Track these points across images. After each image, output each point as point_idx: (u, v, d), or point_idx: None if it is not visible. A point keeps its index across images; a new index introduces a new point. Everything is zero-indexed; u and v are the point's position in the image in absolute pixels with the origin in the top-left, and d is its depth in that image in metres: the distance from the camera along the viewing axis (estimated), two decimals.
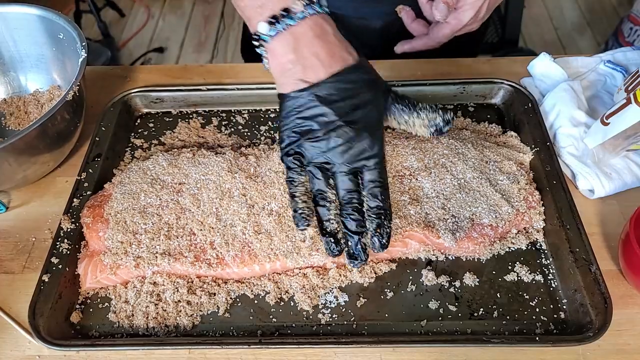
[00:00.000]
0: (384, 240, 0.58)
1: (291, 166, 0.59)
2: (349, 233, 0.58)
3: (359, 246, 0.58)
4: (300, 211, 0.59)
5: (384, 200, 0.58)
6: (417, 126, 0.63)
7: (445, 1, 0.68)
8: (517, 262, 0.65)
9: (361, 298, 0.63)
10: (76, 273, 0.65)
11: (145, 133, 0.82)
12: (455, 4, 0.70)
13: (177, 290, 0.62)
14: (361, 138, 0.57)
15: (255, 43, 0.58)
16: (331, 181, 0.58)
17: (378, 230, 0.58)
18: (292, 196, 0.60)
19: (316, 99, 0.56)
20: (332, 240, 0.58)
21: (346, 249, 0.59)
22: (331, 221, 0.59)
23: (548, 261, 0.65)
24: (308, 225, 0.60)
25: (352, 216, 0.57)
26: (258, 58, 0.60)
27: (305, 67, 0.56)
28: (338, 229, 0.59)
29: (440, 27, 0.72)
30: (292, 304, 0.63)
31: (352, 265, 0.60)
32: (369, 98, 0.58)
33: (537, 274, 0.64)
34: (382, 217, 0.58)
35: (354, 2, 0.89)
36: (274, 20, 0.55)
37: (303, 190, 0.60)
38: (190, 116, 0.84)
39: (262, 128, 0.81)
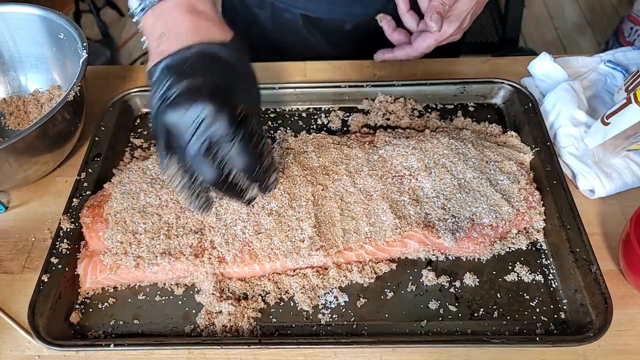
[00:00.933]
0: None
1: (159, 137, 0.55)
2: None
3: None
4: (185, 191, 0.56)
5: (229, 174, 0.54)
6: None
7: (438, 12, 0.68)
8: (518, 262, 0.65)
9: (361, 298, 0.63)
10: (76, 273, 0.65)
11: (145, 133, 0.82)
12: (446, 14, 0.70)
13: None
14: (211, 112, 0.50)
15: (134, 22, 0.57)
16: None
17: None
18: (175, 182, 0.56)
19: (167, 71, 0.53)
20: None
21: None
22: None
23: (548, 261, 0.65)
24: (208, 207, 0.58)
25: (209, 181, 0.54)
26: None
27: (165, 41, 0.54)
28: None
29: (424, 37, 0.72)
30: (292, 304, 0.63)
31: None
32: (220, 78, 0.53)
33: (538, 274, 0.64)
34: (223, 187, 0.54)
35: (328, 4, 0.89)
36: None
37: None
38: None
39: (262, 128, 0.81)
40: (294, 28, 0.93)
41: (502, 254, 0.66)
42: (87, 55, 0.73)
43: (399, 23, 0.78)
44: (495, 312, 0.61)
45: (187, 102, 0.51)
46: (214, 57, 0.54)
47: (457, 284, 0.64)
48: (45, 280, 0.62)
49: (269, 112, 0.84)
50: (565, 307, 0.61)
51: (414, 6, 0.75)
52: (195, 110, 0.50)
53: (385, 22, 0.76)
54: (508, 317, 0.61)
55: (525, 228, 0.67)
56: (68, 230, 0.66)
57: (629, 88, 0.73)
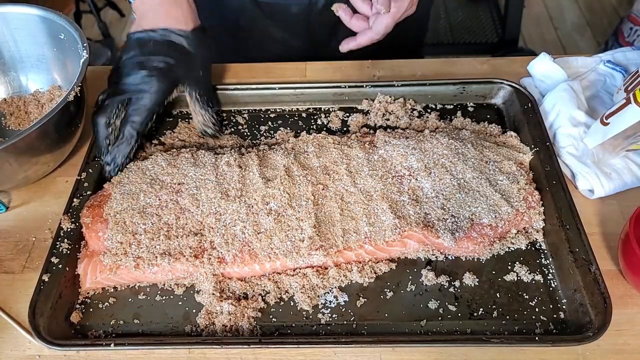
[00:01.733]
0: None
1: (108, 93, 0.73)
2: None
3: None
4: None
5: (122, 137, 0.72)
6: (195, 121, 0.78)
7: None
8: (517, 262, 0.65)
9: (361, 298, 0.63)
10: (76, 273, 0.65)
11: (145, 133, 0.82)
12: None
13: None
14: (144, 80, 0.72)
15: (129, 1, 0.77)
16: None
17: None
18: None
19: (136, 41, 0.73)
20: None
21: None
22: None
23: (548, 261, 0.65)
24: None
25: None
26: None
27: (144, 19, 0.74)
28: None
29: (382, 18, 0.71)
30: (292, 303, 0.63)
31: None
32: (172, 61, 0.73)
33: (537, 274, 0.64)
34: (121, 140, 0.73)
35: None
36: None
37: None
38: (190, 116, 0.84)
39: (262, 128, 0.82)
40: (244, 11, 0.97)
41: (502, 253, 0.66)
42: (87, 55, 0.73)
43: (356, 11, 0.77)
44: (495, 312, 0.61)
45: (139, 68, 0.72)
46: (172, 44, 0.73)
47: (457, 283, 0.64)
48: (46, 280, 0.62)
49: (269, 112, 0.84)
50: (564, 307, 0.61)
51: None
52: (138, 78, 0.72)
53: (341, 11, 0.75)
54: (507, 317, 0.61)
55: (524, 228, 0.68)
56: (68, 230, 0.67)
57: (629, 88, 0.73)
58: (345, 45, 0.77)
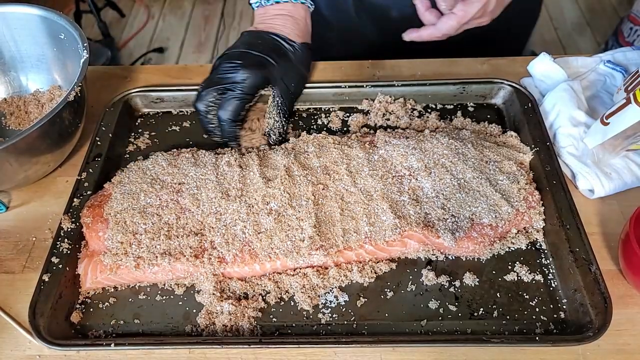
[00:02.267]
0: None
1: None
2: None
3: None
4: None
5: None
6: (267, 120, 0.77)
7: None
8: (517, 262, 0.65)
9: (361, 298, 0.63)
10: (76, 273, 0.65)
11: (146, 133, 0.82)
12: None
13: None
14: (237, 69, 0.74)
15: (251, 4, 0.85)
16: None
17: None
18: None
19: (248, 36, 0.79)
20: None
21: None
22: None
23: (548, 261, 0.65)
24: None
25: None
26: None
27: (260, 24, 0.82)
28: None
29: (447, 18, 0.71)
30: (292, 303, 0.63)
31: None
32: (272, 61, 0.76)
33: (537, 274, 0.64)
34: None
35: None
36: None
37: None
38: (190, 116, 0.84)
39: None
40: (344, 8, 0.98)
41: (502, 253, 0.66)
42: (87, 55, 0.73)
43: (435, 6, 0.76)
44: (495, 312, 0.61)
45: (234, 56, 0.75)
46: (277, 48, 0.78)
47: (457, 283, 0.64)
48: (46, 280, 0.62)
49: None
50: (564, 307, 0.61)
51: None
52: (232, 65, 0.74)
53: (419, 0, 0.75)
54: (508, 317, 0.61)
55: (524, 228, 0.68)
56: (69, 230, 0.67)
57: (629, 88, 0.73)
58: (408, 35, 0.77)
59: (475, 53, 0.92)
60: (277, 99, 0.77)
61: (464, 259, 0.66)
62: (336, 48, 1.04)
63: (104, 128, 0.78)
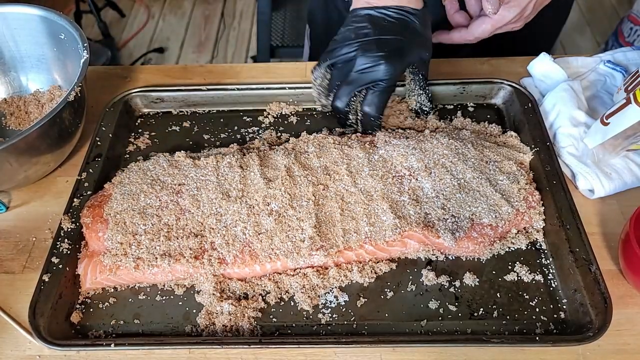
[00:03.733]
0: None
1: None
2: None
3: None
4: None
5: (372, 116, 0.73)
6: (412, 99, 0.77)
7: None
8: (517, 262, 0.65)
9: (361, 298, 0.63)
10: (76, 273, 0.65)
11: (146, 133, 0.82)
12: None
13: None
14: (379, 62, 0.68)
15: None
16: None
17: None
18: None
19: (368, 17, 0.69)
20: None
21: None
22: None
23: (548, 261, 0.65)
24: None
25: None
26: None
27: None
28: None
29: (481, 21, 0.70)
30: (292, 303, 0.63)
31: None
32: (406, 40, 0.69)
33: (537, 274, 0.64)
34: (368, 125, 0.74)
35: None
36: None
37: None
38: (191, 116, 0.84)
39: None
40: None
41: (502, 253, 0.66)
42: (87, 55, 0.73)
43: (463, 6, 0.76)
44: (495, 312, 0.61)
45: (371, 48, 0.68)
46: (406, 23, 0.69)
47: (457, 283, 0.64)
48: (46, 280, 0.62)
49: (270, 112, 0.84)
50: (564, 307, 0.61)
51: None
52: (372, 59, 0.68)
53: (448, 2, 0.75)
54: (508, 317, 0.61)
55: (524, 228, 0.68)
56: (69, 230, 0.67)
57: (629, 88, 0.73)
58: (437, 37, 0.77)
59: (504, 53, 0.90)
60: (418, 75, 0.74)
61: (464, 259, 0.66)
62: None
63: (104, 128, 0.78)
